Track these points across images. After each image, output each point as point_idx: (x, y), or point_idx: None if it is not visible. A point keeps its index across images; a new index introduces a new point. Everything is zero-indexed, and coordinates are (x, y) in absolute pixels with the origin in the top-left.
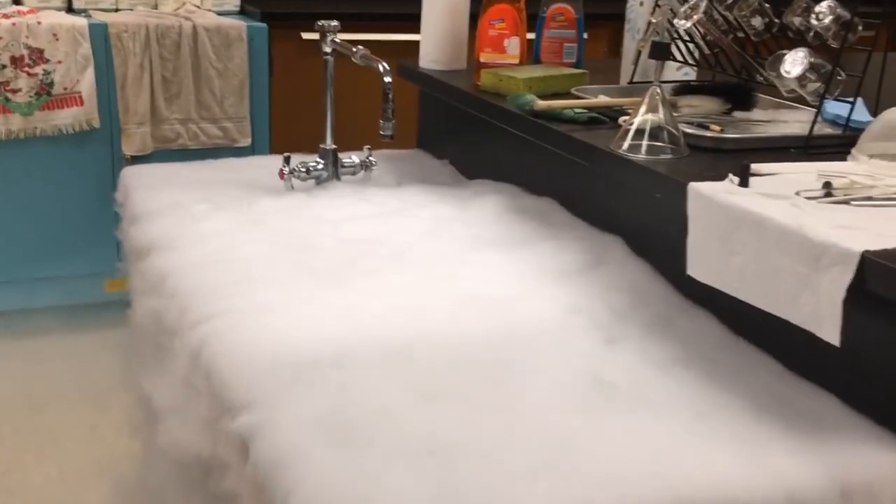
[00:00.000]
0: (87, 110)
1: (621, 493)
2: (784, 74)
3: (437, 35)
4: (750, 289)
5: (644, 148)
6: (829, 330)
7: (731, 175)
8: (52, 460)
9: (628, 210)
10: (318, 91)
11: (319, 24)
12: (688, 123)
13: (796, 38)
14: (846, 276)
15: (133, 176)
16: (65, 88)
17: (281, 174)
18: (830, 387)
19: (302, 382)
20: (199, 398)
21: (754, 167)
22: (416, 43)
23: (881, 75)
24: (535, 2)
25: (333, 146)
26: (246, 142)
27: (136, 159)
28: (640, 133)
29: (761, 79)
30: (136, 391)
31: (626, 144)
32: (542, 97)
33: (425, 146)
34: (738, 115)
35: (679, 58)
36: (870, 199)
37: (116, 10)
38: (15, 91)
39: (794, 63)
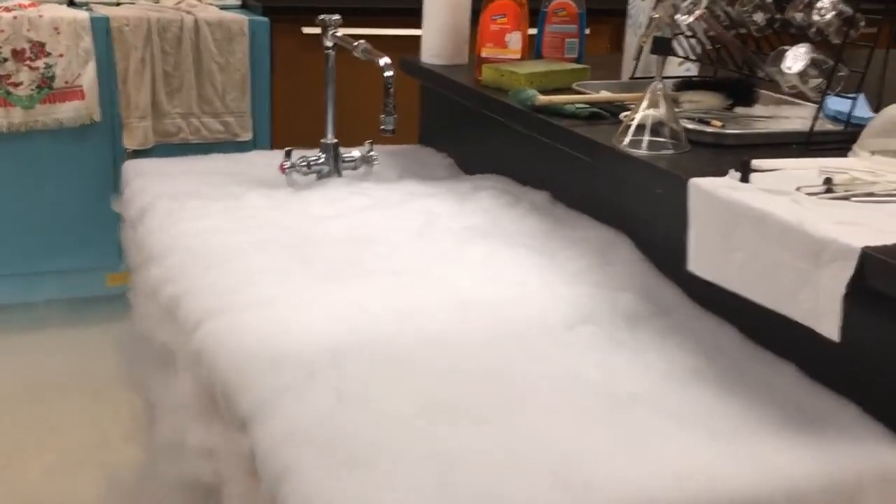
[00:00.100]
0: (89, 104)
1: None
2: (786, 70)
3: (438, 30)
4: (750, 284)
5: (645, 143)
6: (829, 326)
7: (732, 171)
8: (53, 453)
9: (629, 205)
10: (320, 86)
11: (321, 18)
12: (689, 119)
13: (798, 34)
14: (846, 271)
15: (134, 169)
16: (66, 82)
17: (282, 168)
18: (829, 382)
19: (301, 383)
20: (199, 397)
21: (755, 163)
22: (418, 38)
23: (883, 71)
24: None
25: (335, 140)
26: (247, 136)
27: (137, 153)
28: (641, 128)
29: (763, 74)
30: (137, 389)
31: (627, 140)
32: (544, 92)
33: (426, 141)
34: (739, 110)
35: (681, 53)
36: (871, 195)
37: (118, 4)
38: (16, 84)
39: (796, 59)
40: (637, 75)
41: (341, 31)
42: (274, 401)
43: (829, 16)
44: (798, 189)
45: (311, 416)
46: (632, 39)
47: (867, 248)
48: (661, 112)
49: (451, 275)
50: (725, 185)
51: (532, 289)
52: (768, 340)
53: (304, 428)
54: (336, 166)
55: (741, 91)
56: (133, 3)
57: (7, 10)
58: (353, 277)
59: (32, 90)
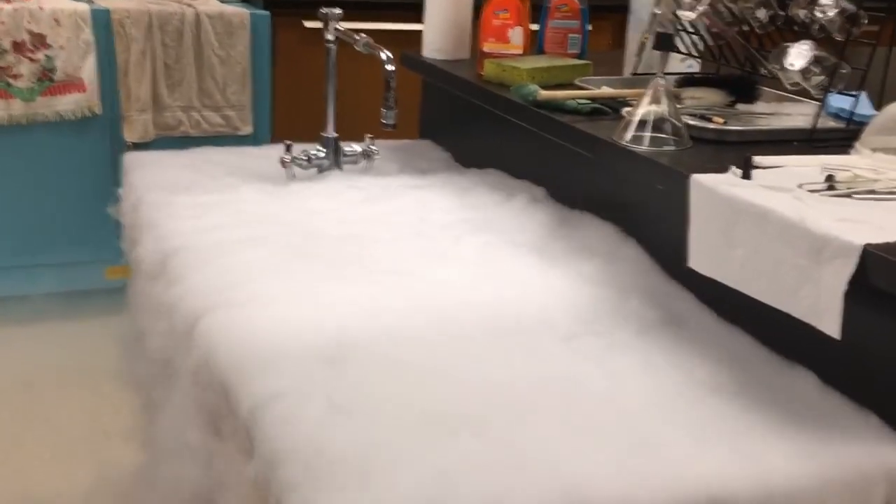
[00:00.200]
0: (89, 96)
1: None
2: (788, 67)
3: (440, 24)
4: (751, 281)
5: (647, 139)
6: (830, 323)
7: (733, 167)
8: (50, 447)
9: (631, 202)
10: (321, 80)
11: (322, 11)
12: (691, 115)
13: (801, 31)
14: (847, 269)
15: (134, 162)
16: (66, 74)
17: (282, 162)
18: (828, 378)
19: (299, 383)
20: (199, 390)
21: (757, 160)
22: (419, 33)
23: (885, 69)
24: None
25: (335, 135)
26: (248, 130)
27: (137, 146)
28: (643, 124)
29: (765, 71)
30: (136, 388)
31: (629, 135)
32: (546, 88)
33: (427, 136)
34: (741, 107)
35: (683, 50)
36: (872, 192)
37: None
38: (16, 76)
39: (799, 56)
40: (639, 71)
41: (343, 26)
42: (272, 400)
43: (831, 13)
44: (800, 186)
45: (309, 417)
46: (634, 35)
47: (868, 245)
48: (663, 108)
49: (451, 272)
50: (727, 182)
51: (534, 289)
52: (771, 336)
53: (302, 428)
54: (336, 160)
55: (743, 88)
56: None
57: (7, 1)
58: (353, 274)
59: (33, 82)
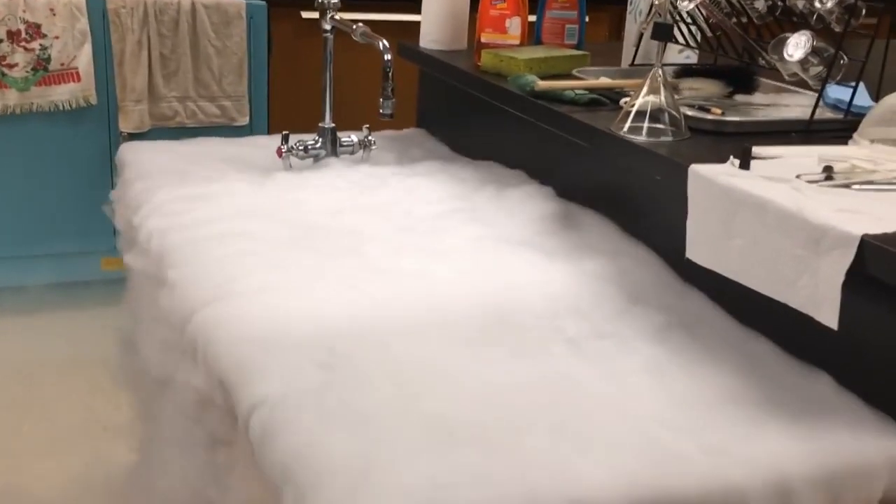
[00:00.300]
0: (85, 86)
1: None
2: (787, 58)
3: (437, 14)
4: (749, 272)
5: (645, 130)
6: (828, 313)
7: (732, 158)
8: (45, 437)
9: (628, 193)
10: (318, 71)
11: (319, 1)
12: (689, 106)
13: (799, 22)
14: (846, 259)
15: (130, 151)
16: (62, 64)
17: (279, 152)
18: (827, 369)
19: (299, 374)
20: (198, 380)
21: (755, 150)
22: (417, 24)
23: (883, 60)
24: None
25: (332, 125)
26: (244, 121)
27: (133, 137)
28: (640, 115)
29: (763, 62)
30: (134, 374)
31: (626, 126)
32: (543, 78)
33: (424, 127)
34: (739, 98)
35: (681, 40)
36: (871, 183)
37: None
38: (11, 66)
39: (797, 46)
40: (637, 62)
41: (339, 16)
42: (270, 400)
43: (830, 4)
44: (798, 177)
45: (306, 419)
46: (632, 26)
47: (867, 235)
48: (661, 99)
49: (449, 267)
50: (725, 172)
51: (536, 287)
52: (763, 324)
53: (300, 430)
54: (333, 151)
55: (741, 79)
56: None
57: None
58: (348, 268)
59: (28, 72)
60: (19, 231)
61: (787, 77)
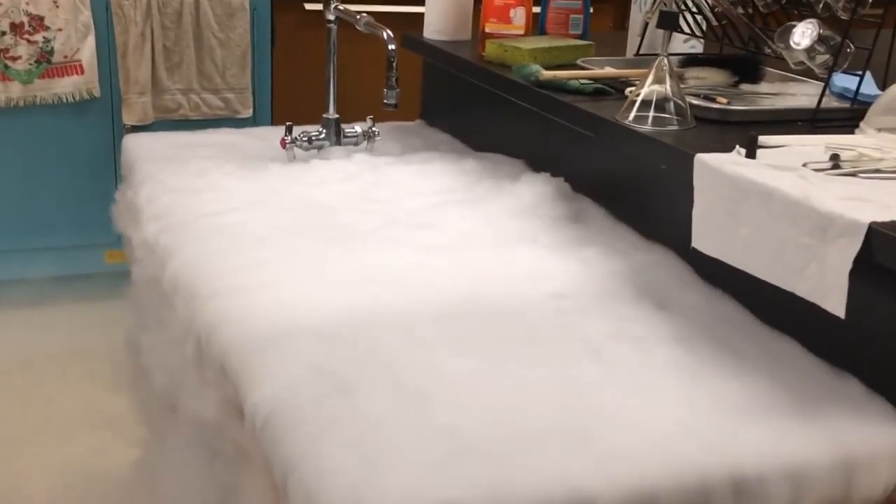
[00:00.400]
0: (88, 79)
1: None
2: (793, 46)
3: (441, 5)
4: (755, 261)
5: (650, 119)
6: (835, 302)
7: (738, 146)
8: (48, 430)
9: (633, 181)
10: (321, 63)
11: None
12: (694, 95)
13: (805, 10)
14: (853, 247)
15: (134, 143)
16: (65, 56)
17: (283, 143)
18: (832, 356)
19: (306, 365)
20: (203, 374)
21: (761, 139)
22: (420, 15)
23: (890, 49)
24: None
25: (336, 115)
26: (248, 113)
27: (136, 129)
28: (646, 104)
29: (769, 51)
30: (138, 367)
31: (632, 115)
32: (548, 68)
33: (429, 117)
34: (745, 87)
35: (686, 30)
36: (878, 171)
37: None
38: (14, 58)
39: (804, 35)
40: (642, 52)
41: (343, 7)
42: (275, 391)
43: None
44: (804, 165)
45: (314, 399)
46: (637, 16)
47: (874, 223)
48: (666, 88)
49: (456, 260)
50: (731, 161)
51: (549, 283)
52: (767, 312)
53: (309, 412)
54: (337, 141)
55: (747, 68)
56: None
57: None
58: (351, 258)
59: (31, 64)
60: (22, 223)
61: (793, 66)
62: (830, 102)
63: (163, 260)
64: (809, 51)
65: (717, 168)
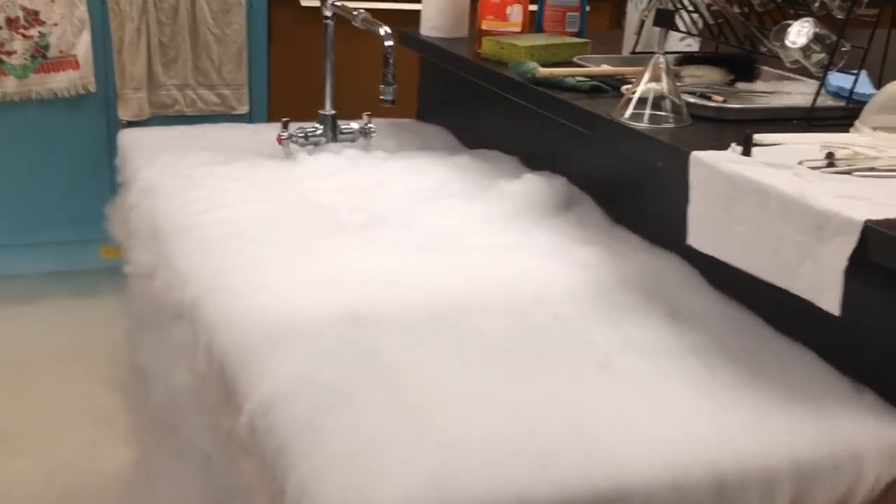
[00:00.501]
0: (83, 74)
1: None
2: (789, 45)
3: (438, 2)
4: (751, 258)
5: (646, 117)
6: (830, 299)
7: (733, 144)
8: (44, 425)
9: (629, 179)
10: (317, 60)
11: None
12: (690, 93)
13: (801, 9)
14: (849, 245)
15: (130, 139)
16: (60, 51)
17: (279, 139)
18: (828, 356)
19: (303, 360)
20: (202, 376)
21: (757, 137)
22: (417, 12)
23: (885, 48)
24: None
25: (332, 112)
26: (244, 109)
27: (132, 125)
28: (642, 102)
29: (765, 49)
30: (134, 363)
31: (628, 113)
32: (544, 66)
33: (425, 114)
34: (740, 86)
35: (682, 28)
36: (872, 170)
37: None
38: (10, 53)
39: (800, 33)
40: (638, 50)
41: (340, 3)
42: (273, 386)
43: None
44: (800, 163)
45: (313, 403)
46: (633, 14)
47: (870, 221)
48: (662, 85)
49: (453, 259)
50: (727, 159)
51: (549, 287)
52: (764, 310)
53: (308, 415)
54: (333, 138)
55: (743, 66)
56: None
57: None
58: (345, 256)
59: (26, 59)
60: (18, 219)
61: (788, 64)
62: (826, 101)
63: (157, 258)
64: (805, 49)
65: (712, 166)
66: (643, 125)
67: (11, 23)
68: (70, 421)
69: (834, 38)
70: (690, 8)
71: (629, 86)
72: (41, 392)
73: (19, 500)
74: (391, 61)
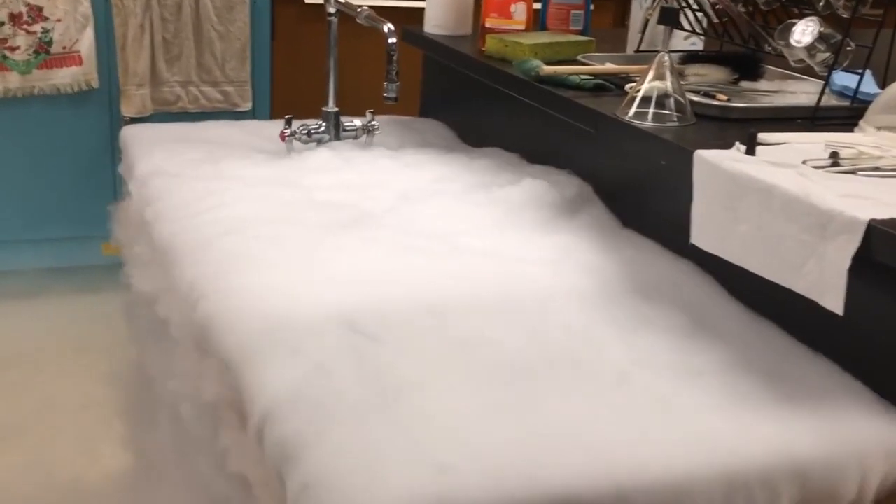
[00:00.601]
0: (86, 70)
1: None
2: (794, 44)
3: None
4: (754, 257)
5: (650, 115)
6: (833, 299)
7: (737, 143)
8: (44, 422)
9: (633, 177)
10: (320, 57)
11: None
12: (694, 92)
13: (806, 8)
14: (852, 244)
15: (133, 135)
16: (64, 47)
17: (282, 136)
18: (830, 354)
19: (308, 359)
20: (203, 375)
21: (761, 136)
22: (421, 10)
23: (890, 47)
24: None
25: (336, 109)
26: (247, 106)
27: (135, 121)
28: (646, 100)
29: (769, 48)
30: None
31: (632, 111)
32: (548, 64)
33: (428, 112)
34: (744, 85)
35: (687, 27)
36: (877, 169)
37: None
38: (13, 49)
39: (804, 32)
40: (642, 49)
41: (344, 0)
42: (279, 388)
43: None
44: (804, 162)
45: (315, 403)
46: (637, 13)
47: (874, 220)
48: (666, 84)
49: (457, 259)
50: (731, 157)
51: (555, 291)
52: (765, 309)
53: (310, 415)
54: (337, 135)
55: (747, 65)
56: None
57: None
58: (352, 252)
59: (29, 55)
60: (19, 215)
61: (793, 63)
62: (830, 100)
63: (160, 254)
64: (810, 48)
65: (716, 164)
66: (647, 124)
67: (15, 18)
68: (71, 418)
69: (839, 37)
70: (695, 6)
71: (633, 84)
72: (42, 389)
73: (18, 497)
74: (395, 58)
